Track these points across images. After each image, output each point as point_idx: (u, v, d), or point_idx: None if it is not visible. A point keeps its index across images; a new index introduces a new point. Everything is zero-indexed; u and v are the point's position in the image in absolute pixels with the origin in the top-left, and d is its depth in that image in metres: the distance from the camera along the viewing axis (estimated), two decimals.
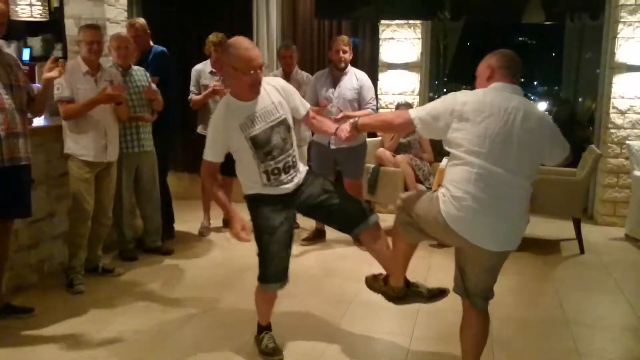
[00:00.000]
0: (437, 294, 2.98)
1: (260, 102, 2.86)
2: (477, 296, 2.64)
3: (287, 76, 5.23)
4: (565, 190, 4.98)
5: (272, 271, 2.92)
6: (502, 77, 2.54)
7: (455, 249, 2.69)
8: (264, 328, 3.18)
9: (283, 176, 2.90)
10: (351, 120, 2.96)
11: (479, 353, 2.72)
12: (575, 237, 5.06)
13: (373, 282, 3.10)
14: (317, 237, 5.16)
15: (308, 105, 3.13)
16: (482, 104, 2.44)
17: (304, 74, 5.33)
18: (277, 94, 2.93)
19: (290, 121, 2.95)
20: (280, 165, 2.89)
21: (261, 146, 2.84)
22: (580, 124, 8.34)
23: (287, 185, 2.93)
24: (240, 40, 2.80)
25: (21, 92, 3.40)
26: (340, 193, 3.04)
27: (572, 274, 4.56)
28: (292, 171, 2.94)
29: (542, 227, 5.52)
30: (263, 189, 2.92)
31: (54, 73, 3.51)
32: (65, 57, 5.28)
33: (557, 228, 5.55)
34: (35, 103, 3.57)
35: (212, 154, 2.91)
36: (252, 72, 2.73)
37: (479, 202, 2.40)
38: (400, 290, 2.97)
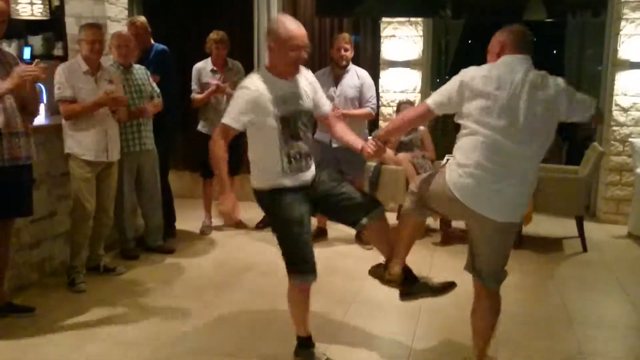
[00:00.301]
0: (446, 287, 2.96)
1: (294, 85, 2.83)
2: (489, 276, 2.67)
3: None
4: (567, 188, 4.96)
5: (311, 262, 2.80)
6: (511, 51, 2.57)
7: (467, 229, 2.77)
8: (306, 340, 2.98)
9: (303, 162, 2.83)
10: (373, 135, 2.95)
11: (490, 334, 2.75)
12: (578, 235, 5.04)
13: (376, 269, 3.06)
14: (318, 235, 5.14)
15: (330, 107, 3.09)
16: (489, 77, 2.49)
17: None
18: (307, 83, 2.91)
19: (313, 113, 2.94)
20: (302, 150, 2.82)
21: (288, 127, 2.76)
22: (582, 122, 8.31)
23: (305, 174, 2.85)
24: (289, 18, 2.83)
25: (20, 92, 3.36)
26: (347, 184, 3.00)
27: (575, 272, 4.55)
28: (309, 160, 2.88)
29: (544, 225, 5.51)
30: (282, 178, 2.79)
31: (42, 76, 3.34)
32: (66, 55, 5.28)
33: (560, 226, 5.54)
34: (27, 105, 3.40)
35: (234, 119, 2.73)
36: (298, 48, 2.72)
37: (483, 169, 2.45)
38: (397, 276, 2.92)
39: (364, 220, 2.85)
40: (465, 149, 2.51)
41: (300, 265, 2.80)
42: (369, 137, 2.99)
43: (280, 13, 2.86)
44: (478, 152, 2.46)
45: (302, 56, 2.75)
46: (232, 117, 2.74)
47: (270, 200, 2.82)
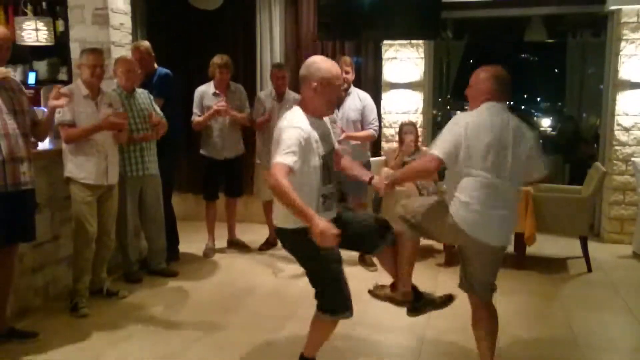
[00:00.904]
0: (447, 300, 3.15)
1: (326, 124, 2.91)
2: (482, 288, 2.95)
3: (280, 97, 5.26)
4: (571, 208, 4.95)
5: (349, 299, 2.83)
6: (496, 98, 2.86)
7: (459, 251, 3.03)
8: None
9: (333, 200, 2.87)
10: (389, 176, 3.11)
11: (494, 341, 2.96)
12: (582, 255, 5.01)
13: (378, 291, 3.18)
14: None
15: (337, 144, 3.11)
16: (479, 124, 2.78)
17: (295, 95, 5.34)
18: (328, 120, 2.97)
19: None
20: (333, 190, 2.87)
21: (327, 167, 2.80)
22: (585, 141, 8.33)
23: (331, 212, 2.87)
24: (324, 58, 2.87)
25: (25, 117, 3.43)
26: (362, 211, 3.05)
27: (579, 293, 4.51)
28: (335, 199, 2.93)
29: (548, 246, 5.49)
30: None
31: (60, 102, 3.55)
32: (70, 79, 5.33)
33: (564, 246, 5.51)
34: (40, 129, 3.61)
35: (293, 159, 2.62)
36: (339, 88, 2.81)
37: (484, 206, 2.77)
38: (408, 294, 3.07)
39: (381, 247, 2.95)
40: (466, 189, 2.79)
41: (340, 303, 2.82)
42: (384, 170, 3.06)
43: (313, 56, 2.88)
44: (477, 191, 2.76)
45: (340, 96, 2.80)
46: (293, 157, 2.62)
47: (304, 237, 2.67)
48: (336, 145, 3.02)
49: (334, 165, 2.91)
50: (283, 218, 2.83)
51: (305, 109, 2.81)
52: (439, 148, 2.79)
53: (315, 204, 2.74)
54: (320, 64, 2.79)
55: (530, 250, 5.07)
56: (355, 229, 2.92)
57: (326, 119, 2.96)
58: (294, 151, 2.62)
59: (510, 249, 5.11)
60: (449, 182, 2.91)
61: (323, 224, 2.51)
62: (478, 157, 2.74)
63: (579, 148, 8.26)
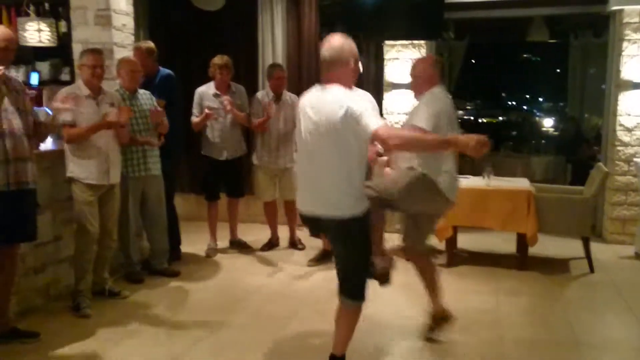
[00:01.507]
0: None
1: None
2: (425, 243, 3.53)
3: (278, 98, 5.26)
4: (573, 208, 4.94)
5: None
6: (439, 82, 3.49)
7: (413, 218, 3.46)
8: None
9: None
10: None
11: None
12: (584, 256, 5.01)
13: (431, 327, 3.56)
14: (323, 257, 5.13)
15: None
16: (446, 106, 3.38)
17: (292, 95, 5.36)
18: None
19: None
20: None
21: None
22: (587, 141, 8.32)
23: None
24: (342, 35, 2.87)
25: (27, 117, 3.43)
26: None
27: (582, 294, 4.51)
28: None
29: (550, 246, 5.48)
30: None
31: (67, 105, 3.54)
32: (72, 80, 5.33)
33: (566, 247, 5.50)
34: (41, 130, 3.58)
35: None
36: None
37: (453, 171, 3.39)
38: (444, 313, 3.44)
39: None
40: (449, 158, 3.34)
41: (366, 289, 2.90)
42: (386, 170, 3.41)
43: (331, 36, 2.86)
44: (452, 160, 3.32)
45: None
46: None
47: (365, 223, 2.80)
48: None
49: None
50: (353, 204, 2.75)
51: (344, 87, 2.83)
52: (425, 122, 3.18)
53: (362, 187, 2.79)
54: (350, 43, 2.83)
55: (533, 250, 5.06)
56: None
57: None
58: (373, 114, 2.69)
59: (513, 249, 5.12)
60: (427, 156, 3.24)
61: (468, 138, 2.54)
62: (450, 129, 3.22)
63: (581, 148, 8.24)
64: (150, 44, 4.98)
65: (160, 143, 4.61)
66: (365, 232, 2.82)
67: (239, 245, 5.64)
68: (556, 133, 12.48)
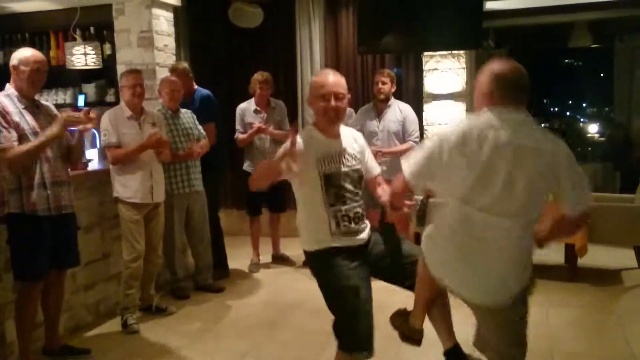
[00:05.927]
0: None
1: (340, 144, 2.72)
2: (497, 357, 2.37)
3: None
4: (624, 217, 4.79)
5: (364, 336, 2.53)
6: (499, 100, 2.20)
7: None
8: None
9: (353, 225, 2.65)
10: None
11: None
12: (637, 266, 4.84)
13: (396, 317, 2.82)
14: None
15: (379, 169, 2.94)
16: (466, 135, 2.16)
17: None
18: (356, 145, 2.80)
19: (363, 174, 2.78)
20: (351, 213, 2.65)
21: (333, 186, 2.63)
22: (636, 147, 8.07)
23: (360, 236, 2.68)
24: (328, 70, 2.83)
25: (61, 141, 3.41)
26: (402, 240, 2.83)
27: (637, 306, 4.35)
28: (361, 222, 2.71)
29: (601, 257, 5.31)
30: (333, 241, 2.61)
31: (88, 125, 3.45)
32: (117, 101, 5.46)
33: (618, 257, 5.33)
34: (73, 155, 3.53)
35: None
36: (327, 97, 2.61)
37: (454, 244, 2.22)
38: (415, 333, 2.68)
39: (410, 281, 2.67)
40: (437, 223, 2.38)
41: (351, 338, 2.56)
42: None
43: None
44: (447, 227, 2.30)
45: (330, 106, 2.62)
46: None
47: (320, 266, 2.65)
48: (373, 173, 2.87)
49: (354, 189, 2.70)
50: (305, 240, 2.72)
51: (315, 124, 2.76)
52: (411, 164, 2.32)
53: (328, 230, 2.61)
54: (315, 76, 2.78)
55: (582, 261, 4.92)
56: (394, 261, 2.72)
57: (354, 138, 2.83)
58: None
59: (561, 260, 4.99)
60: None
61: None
62: (456, 179, 2.16)
63: (630, 155, 7.99)
64: (185, 65, 5.06)
65: (202, 151, 4.64)
66: (322, 276, 2.71)
67: (281, 260, 5.66)
68: (602, 139, 12.15)
